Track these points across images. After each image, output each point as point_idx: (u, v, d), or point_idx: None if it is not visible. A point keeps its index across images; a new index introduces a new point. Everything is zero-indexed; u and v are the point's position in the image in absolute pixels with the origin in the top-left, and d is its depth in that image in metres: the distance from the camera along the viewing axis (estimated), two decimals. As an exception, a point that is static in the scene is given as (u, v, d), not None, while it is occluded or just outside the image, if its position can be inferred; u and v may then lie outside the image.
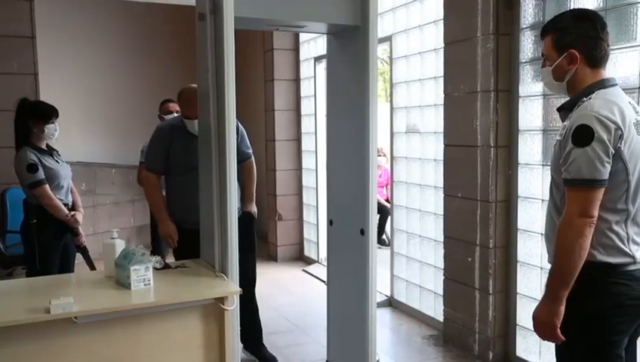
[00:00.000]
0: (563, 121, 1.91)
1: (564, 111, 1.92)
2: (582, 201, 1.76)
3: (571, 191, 1.78)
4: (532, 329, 3.50)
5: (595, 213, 1.76)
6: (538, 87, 3.35)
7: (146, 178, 3.30)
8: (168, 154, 3.24)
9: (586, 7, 2.00)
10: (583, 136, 1.74)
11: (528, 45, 3.38)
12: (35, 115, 3.55)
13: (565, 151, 1.79)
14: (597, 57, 1.88)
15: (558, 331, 1.83)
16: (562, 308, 1.81)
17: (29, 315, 2.12)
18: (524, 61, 3.41)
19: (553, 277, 1.83)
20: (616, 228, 1.82)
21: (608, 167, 1.75)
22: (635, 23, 2.77)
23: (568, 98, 1.95)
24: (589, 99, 1.82)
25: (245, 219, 3.43)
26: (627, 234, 1.84)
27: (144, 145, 4.50)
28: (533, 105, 3.38)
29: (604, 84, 1.87)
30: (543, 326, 1.87)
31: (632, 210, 1.84)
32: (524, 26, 3.39)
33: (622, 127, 1.76)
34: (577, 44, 1.87)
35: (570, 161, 1.77)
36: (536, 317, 1.89)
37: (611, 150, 1.75)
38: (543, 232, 2.07)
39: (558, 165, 1.84)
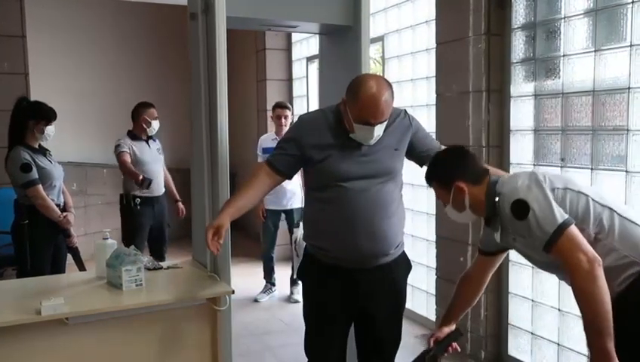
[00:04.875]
0: (496, 230, 2.00)
1: (492, 222, 2.01)
2: (572, 246, 1.74)
3: (557, 246, 1.77)
4: (524, 328, 3.53)
5: (589, 247, 1.74)
6: (529, 87, 3.37)
7: (257, 166, 2.38)
8: (309, 160, 2.23)
9: (444, 148, 2.26)
10: (520, 209, 1.83)
11: (520, 45, 3.39)
12: (36, 116, 3.54)
13: (525, 232, 1.84)
14: (477, 176, 2.01)
15: None
16: (616, 359, 1.69)
17: (19, 316, 2.11)
18: (515, 61, 3.42)
19: (594, 335, 1.71)
20: (622, 229, 1.83)
21: (559, 207, 1.80)
22: (625, 24, 2.79)
23: (481, 217, 2.06)
24: (499, 195, 1.91)
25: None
26: (630, 220, 1.85)
27: (118, 140, 4.31)
28: (524, 105, 3.39)
29: (493, 182, 1.98)
30: None
31: (614, 206, 1.87)
32: (516, 27, 3.40)
33: (536, 175, 1.88)
34: (455, 176, 2.00)
35: (534, 231, 1.80)
36: None
37: (549, 194, 1.82)
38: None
39: (536, 249, 1.86)
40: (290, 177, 2.33)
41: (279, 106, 4.92)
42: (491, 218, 2.02)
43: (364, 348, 2.40)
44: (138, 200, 4.30)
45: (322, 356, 2.34)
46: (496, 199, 1.93)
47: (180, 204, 4.64)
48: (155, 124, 4.38)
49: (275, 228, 5.00)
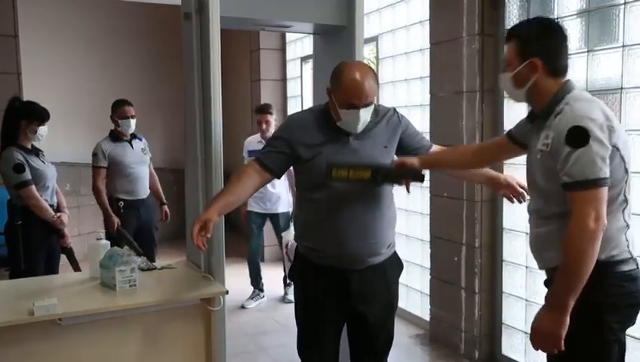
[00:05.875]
0: (537, 131, 1.88)
1: (538, 120, 1.89)
2: (592, 203, 1.69)
3: (577, 195, 1.71)
4: (518, 327, 3.53)
5: (605, 215, 1.71)
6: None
7: (246, 165, 2.36)
8: (298, 158, 2.21)
9: (550, 17, 1.96)
10: (578, 137, 1.70)
11: (513, 46, 3.40)
12: (28, 116, 3.52)
13: (561, 156, 1.73)
14: (558, 68, 1.86)
15: (563, 342, 1.74)
16: (568, 318, 1.72)
17: (12, 317, 2.10)
18: (509, 62, 3.43)
19: (563, 286, 1.73)
20: (614, 220, 1.80)
21: (608, 165, 1.72)
22: (618, 25, 2.81)
23: (528, 106, 1.96)
24: (566, 104, 1.79)
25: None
26: (626, 223, 1.83)
27: (97, 146, 4.16)
28: (518, 106, 3.40)
29: (569, 88, 1.85)
30: (547, 338, 1.76)
31: (630, 199, 1.84)
32: (509, 27, 3.40)
33: (611, 122, 1.75)
34: (541, 53, 1.84)
35: (570, 164, 1.71)
36: (540, 328, 1.78)
37: (609, 147, 1.72)
38: (529, 241, 2.03)
39: (550, 174, 1.80)
40: (279, 176, 2.31)
41: (259, 112, 4.74)
42: (537, 117, 1.89)
43: (357, 348, 2.39)
44: (122, 204, 4.16)
45: (315, 356, 2.34)
46: (561, 106, 1.79)
47: (166, 208, 4.51)
48: (127, 123, 4.16)
49: (259, 231, 4.91)
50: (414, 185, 2.22)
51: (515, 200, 2.31)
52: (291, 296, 4.71)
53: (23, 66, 4.96)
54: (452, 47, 3.60)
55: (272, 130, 4.60)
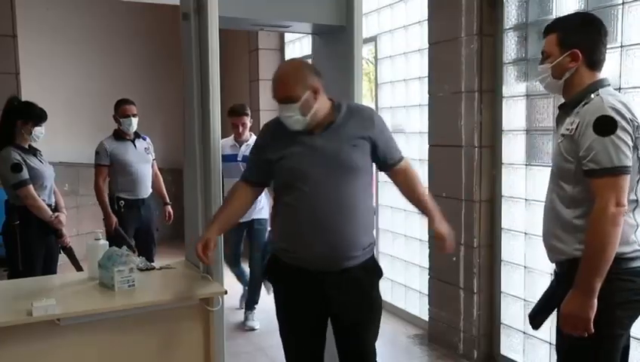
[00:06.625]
0: (562, 118, 1.94)
1: (567, 108, 1.95)
2: (615, 189, 1.76)
3: (601, 181, 1.77)
4: (516, 327, 3.54)
5: (626, 201, 1.78)
6: (521, 87, 3.38)
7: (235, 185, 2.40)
8: (270, 162, 2.23)
9: (591, 13, 2.03)
10: (605, 125, 1.77)
11: (512, 46, 3.41)
12: (25, 116, 3.51)
13: (586, 142, 1.79)
14: (597, 61, 1.93)
15: (592, 324, 1.79)
16: (596, 301, 1.78)
17: (10, 317, 2.10)
18: (507, 62, 3.43)
19: (588, 269, 1.79)
20: (625, 217, 1.82)
21: (631, 155, 1.78)
22: (616, 25, 2.81)
23: (562, 98, 1.99)
24: (597, 95, 1.85)
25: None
26: (636, 222, 1.87)
27: (100, 144, 4.20)
28: (516, 106, 3.41)
29: (603, 83, 1.92)
30: (576, 321, 1.82)
31: None
32: (508, 27, 3.41)
33: (637, 120, 1.82)
34: (581, 45, 1.90)
35: (595, 151, 1.77)
36: (570, 312, 1.83)
37: (633, 139, 1.79)
38: (543, 231, 2.04)
39: (567, 156, 1.86)
40: (264, 184, 2.39)
41: (234, 114, 4.34)
42: (566, 105, 1.95)
43: (340, 349, 2.37)
44: (122, 203, 4.18)
45: (297, 355, 2.36)
46: (592, 96, 1.85)
47: (169, 208, 4.54)
48: (128, 122, 4.17)
49: (238, 242, 4.53)
50: None
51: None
52: (252, 322, 4.41)
53: (22, 66, 4.95)
54: (451, 47, 3.60)
55: (247, 132, 4.38)
